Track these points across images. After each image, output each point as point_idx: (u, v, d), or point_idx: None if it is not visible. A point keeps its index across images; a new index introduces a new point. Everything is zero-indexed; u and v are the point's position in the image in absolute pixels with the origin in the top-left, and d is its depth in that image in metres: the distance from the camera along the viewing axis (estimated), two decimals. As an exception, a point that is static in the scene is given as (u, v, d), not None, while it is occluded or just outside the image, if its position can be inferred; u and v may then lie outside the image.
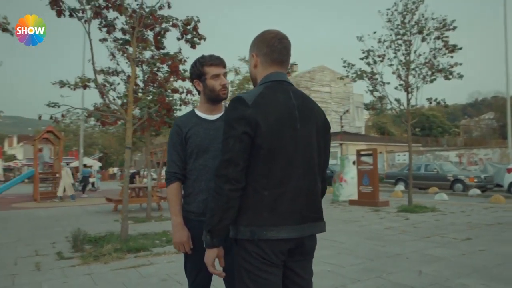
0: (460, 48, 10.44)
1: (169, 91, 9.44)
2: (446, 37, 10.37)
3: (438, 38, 10.38)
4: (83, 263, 5.12)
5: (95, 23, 7.09)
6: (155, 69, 9.36)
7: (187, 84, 9.44)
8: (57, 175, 15.86)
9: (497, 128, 49.77)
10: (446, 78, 10.40)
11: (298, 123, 1.65)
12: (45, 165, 17.76)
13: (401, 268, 4.65)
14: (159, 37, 7.62)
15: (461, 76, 10.40)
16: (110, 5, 6.52)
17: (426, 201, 12.43)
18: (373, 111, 12.50)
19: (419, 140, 39.36)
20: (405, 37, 10.65)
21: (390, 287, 3.98)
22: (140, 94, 9.35)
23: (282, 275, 1.65)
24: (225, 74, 2.21)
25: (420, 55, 10.63)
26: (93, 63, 6.55)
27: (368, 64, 11.00)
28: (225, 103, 2.24)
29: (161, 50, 8.26)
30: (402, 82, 10.80)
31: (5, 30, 8.42)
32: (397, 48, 10.82)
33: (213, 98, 2.20)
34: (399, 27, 10.68)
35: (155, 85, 9.38)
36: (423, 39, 10.49)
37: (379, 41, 10.91)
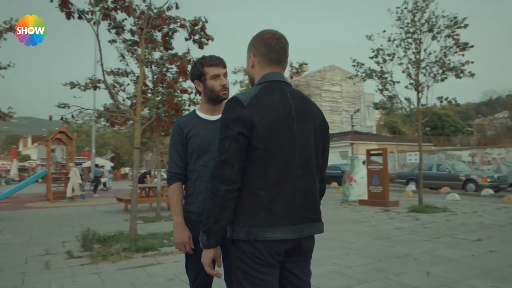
0: (472, 46, 10.29)
1: (178, 91, 9.50)
2: (457, 35, 10.23)
3: (448, 36, 10.24)
4: (92, 262, 5.18)
5: (104, 24, 7.18)
6: (164, 69, 9.42)
7: (196, 85, 9.47)
8: (69, 176, 16.07)
9: (512, 127, 48.89)
10: (457, 76, 10.26)
11: (295, 123, 1.64)
12: (58, 165, 18.00)
13: (409, 269, 4.60)
14: (167, 38, 7.66)
15: (472, 75, 10.25)
16: (118, 6, 6.57)
17: (438, 201, 12.27)
18: (383, 110, 12.38)
19: (431, 140, 38.87)
20: (415, 36, 10.54)
21: (397, 288, 3.94)
22: (149, 95, 9.42)
23: (279, 276, 1.65)
24: (225, 75, 2.21)
25: (430, 53, 10.52)
26: (101, 64, 6.63)
27: (378, 63, 10.92)
28: (226, 104, 2.24)
29: (170, 51, 8.31)
30: (412, 81, 10.69)
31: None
32: (407, 47, 10.72)
33: (213, 99, 2.20)
34: (409, 25, 10.58)
35: (164, 85, 9.44)
36: (434, 37, 10.37)
37: (389, 40, 10.82)
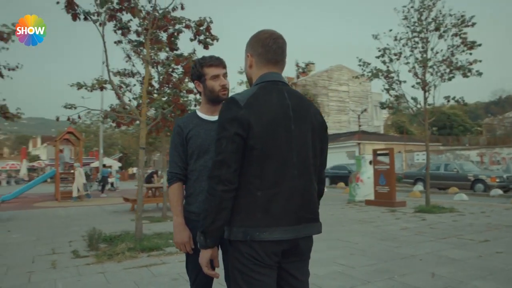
0: (479, 45, 10.18)
1: (184, 91, 9.53)
2: (465, 33, 10.13)
3: (456, 34, 10.15)
4: (97, 262, 5.22)
5: (110, 25, 7.24)
6: (170, 70, 9.46)
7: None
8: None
9: (522, 127, 48.26)
10: (465, 75, 10.16)
11: (293, 123, 1.64)
12: (66, 165, 18.18)
13: (413, 270, 4.57)
14: (172, 38, 7.70)
15: (480, 74, 10.14)
16: (123, 7, 6.62)
17: (445, 201, 12.17)
18: (390, 110, 12.31)
19: (440, 139, 38.54)
20: (422, 35, 10.47)
21: (401, 289, 3.92)
22: (155, 95, 9.47)
23: (277, 276, 1.65)
24: (225, 75, 2.21)
25: (437, 52, 10.43)
26: (107, 65, 6.67)
27: (384, 62, 10.86)
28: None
29: (175, 51, 8.35)
30: (419, 80, 10.61)
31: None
32: (414, 46, 10.64)
33: (213, 99, 2.21)
34: (416, 24, 10.50)
35: (170, 86, 9.49)
36: (440, 36, 10.28)
37: (395, 39, 10.75)
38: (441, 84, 10.51)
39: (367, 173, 13.32)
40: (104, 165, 24.71)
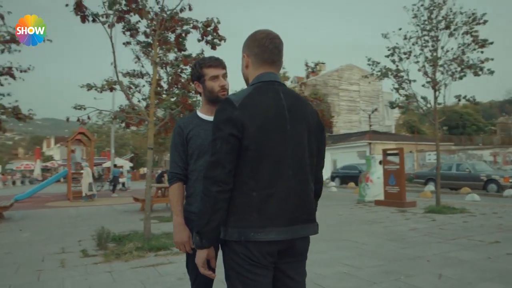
0: (491, 43, 10.03)
1: (192, 92, 9.56)
2: (476, 31, 9.99)
3: (466, 33, 10.01)
4: (105, 261, 5.28)
5: (119, 27, 7.31)
6: (179, 70, 9.51)
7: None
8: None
9: (537, 126, 47.40)
10: (476, 74, 10.01)
11: (288, 123, 1.63)
12: (77, 165, 18.41)
13: (420, 271, 4.52)
14: (180, 39, 7.74)
15: (491, 72, 9.98)
16: (131, 9, 6.68)
17: (456, 202, 12.02)
18: (400, 109, 12.19)
19: (452, 139, 38.06)
20: (432, 33, 10.35)
21: (407, 290, 3.88)
22: (164, 96, 9.53)
23: (273, 277, 1.65)
24: (224, 75, 2.21)
25: (447, 51, 10.29)
26: (115, 66, 6.74)
27: (393, 61, 10.76)
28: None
29: (183, 52, 8.39)
30: (429, 79, 10.50)
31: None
32: (423, 45, 10.53)
33: (212, 99, 2.21)
34: (426, 22, 10.39)
35: (179, 86, 9.53)
36: (451, 34, 10.15)
37: (405, 38, 10.65)
38: (452, 83, 10.38)
39: (377, 173, 13.22)
40: (115, 165, 24.95)
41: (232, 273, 1.61)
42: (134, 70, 9.93)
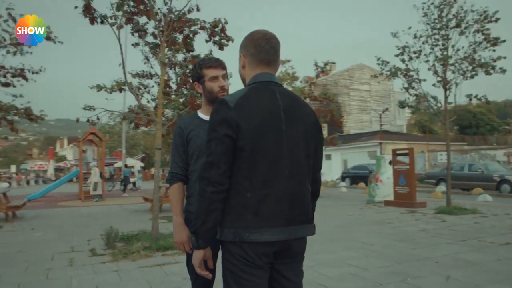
0: (504, 41, 9.86)
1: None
2: (487, 29, 9.83)
3: (478, 31, 9.86)
4: (113, 260, 5.34)
5: (127, 28, 7.37)
6: (188, 71, 9.55)
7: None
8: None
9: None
10: (488, 73, 9.86)
11: (284, 124, 1.63)
12: (88, 165, 18.63)
13: (428, 273, 4.46)
14: (188, 40, 7.77)
15: (503, 71, 9.81)
16: (139, 10, 6.73)
17: (468, 202, 11.85)
18: (410, 109, 12.06)
19: (465, 139, 37.52)
20: (442, 32, 10.22)
21: (413, 292, 3.84)
22: (173, 96, 9.58)
23: (269, 277, 1.64)
24: (224, 76, 2.22)
25: (458, 49, 10.16)
26: (123, 67, 6.80)
27: (403, 61, 10.66)
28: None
29: (191, 53, 8.42)
30: (439, 78, 10.37)
31: (48, 38, 8.92)
32: (434, 43, 10.41)
33: (212, 100, 2.22)
34: (436, 21, 10.26)
35: (187, 87, 9.58)
36: (462, 33, 10.01)
37: (415, 37, 10.54)
38: (463, 82, 10.24)
39: (387, 173, 13.10)
40: (126, 165, 25.19)
41: (228, 273, 1.61)
42: (143, 71, 10.01)
